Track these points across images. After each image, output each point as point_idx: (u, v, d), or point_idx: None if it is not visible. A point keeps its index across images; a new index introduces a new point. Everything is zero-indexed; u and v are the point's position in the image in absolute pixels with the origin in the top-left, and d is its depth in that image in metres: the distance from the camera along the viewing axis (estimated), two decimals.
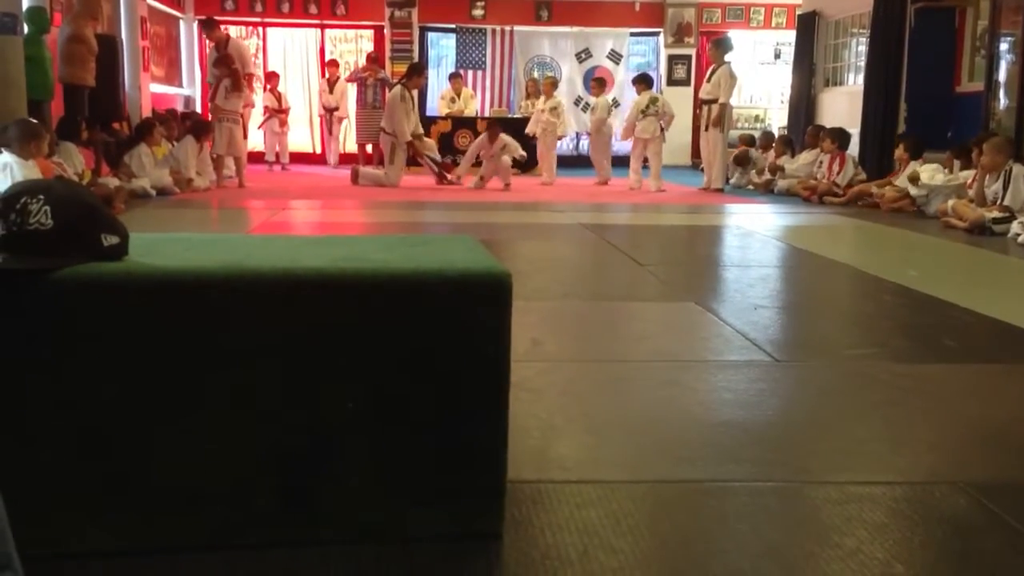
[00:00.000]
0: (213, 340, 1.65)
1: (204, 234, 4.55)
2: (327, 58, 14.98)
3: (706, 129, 10.99)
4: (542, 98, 12.24)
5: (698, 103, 14.61)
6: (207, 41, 11.72)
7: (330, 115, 13.95)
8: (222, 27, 11.66)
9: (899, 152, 9.06)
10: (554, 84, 12.59)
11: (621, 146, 12.89)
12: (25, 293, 1.58)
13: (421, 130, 11.37)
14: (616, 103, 14.85)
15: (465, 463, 1.73)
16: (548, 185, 11.55)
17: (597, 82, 12.56)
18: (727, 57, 10.86)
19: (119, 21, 11.42)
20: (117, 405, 1.63)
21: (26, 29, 7.77)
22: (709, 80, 10.91)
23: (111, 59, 9.56)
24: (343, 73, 14.22)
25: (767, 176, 11.21)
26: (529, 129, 12.06)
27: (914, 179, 8.43)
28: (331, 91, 13.81)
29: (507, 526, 1.79)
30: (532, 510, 1.89)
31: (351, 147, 14.27)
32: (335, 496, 1.71)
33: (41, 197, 1.60)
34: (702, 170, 11.61)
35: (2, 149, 6.27)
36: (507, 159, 11.05)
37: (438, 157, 11.66)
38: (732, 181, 11.55)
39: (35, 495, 1.60)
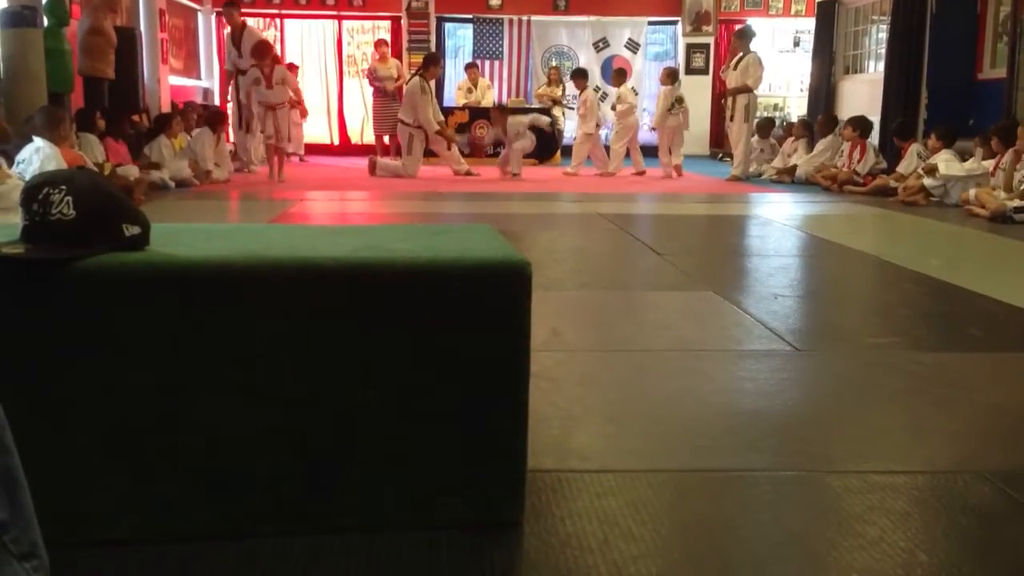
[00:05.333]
0: (234, 329, 1.66)
1: (224, 224, 4.57)
2: (344, 51, 14.97)
3: (731, 119, 10.92)
4: (620, 87, 11.96)
5: (717, 92, 14.61)
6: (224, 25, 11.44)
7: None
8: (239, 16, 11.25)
9: (932, 142, 8.91)
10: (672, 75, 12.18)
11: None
12: (48, 283, 1.59)
13: (442, 118, 11.38)
14: (634, 92, 14.82)
15: (485, 452, 1.73)
16: (643, 174, 11.43)
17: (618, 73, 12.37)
18: (752, 46, 10.79)
19: (138, 13, 11.47)
20: (140, 394, 1.64)
21: (46, 22, 7.82)
22: (734, 69, 10.79)
23: (130, 51, 9.61)
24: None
25: (790, 162, 11.13)
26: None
27: (930, 170, 8.35)
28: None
29: (527, 514, 1.79)
30: (552, 498, 1.89)
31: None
32: (357, 484, 1.71)
33: (63, 188, 1.61)
34: (721, 159, 11.56)
35: (32, 136, 6.37)
36: (520, 145, 11.00)
37: (459, 143, 11.73)
38: (752, 169, 11.45)
39: (61, 484, 1.61)
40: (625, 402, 2.59)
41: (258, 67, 9.97)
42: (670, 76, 11.79)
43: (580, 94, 11.69)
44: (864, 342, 3.36)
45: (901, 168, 9.26)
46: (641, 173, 11.49)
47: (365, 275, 1.68)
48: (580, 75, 12.03)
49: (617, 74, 12.29)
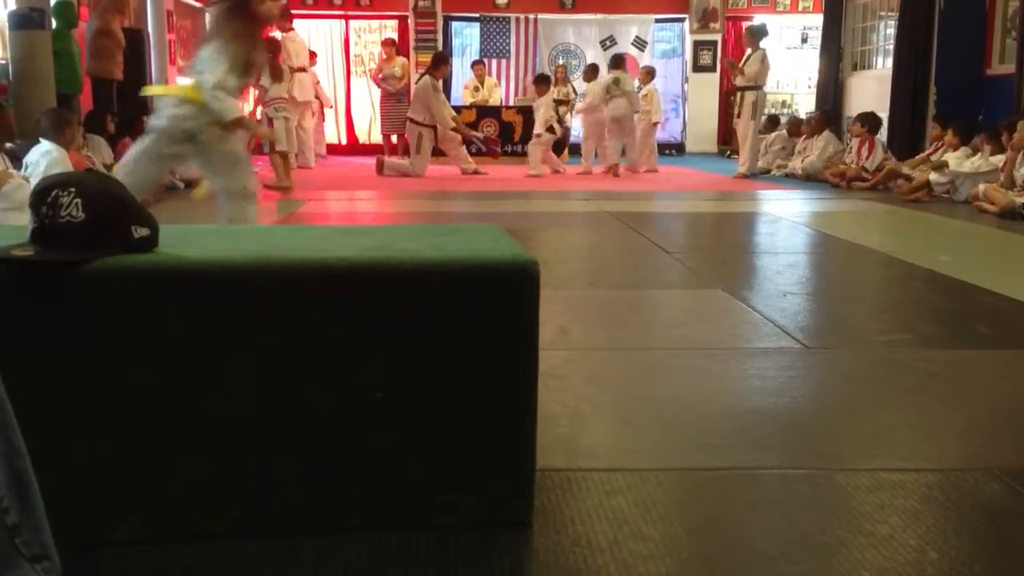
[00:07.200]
0: (243, 330, 1.66)
1: (233, 225, 4.57)
2: (351, 51, 14.95)
3: (738, 116, 10.91)
4: (642, 85, 12.02)
5: (724, 90, 14.58)
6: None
7: None
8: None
9: (948, 137, 8.79)
10: (651, 73, 12.44)
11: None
12: (57, 285, 1.60)
13: (455, 114, 11.37)
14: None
15: (494, 451, 1.73)
16: (654, 172, 11.53)
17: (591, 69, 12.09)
18: (762, 44, 10.78)
19: (146, 15, 11.51)
20: (149, 396, 1.65)
21: (54, 24, 7.85)
22: (742, 66, 10.80)
23: (138, 53, 9.64)
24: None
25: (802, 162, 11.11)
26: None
27: (939, 166, 8.31)
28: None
29: (536, 514, 1.79)
30: (561, 498, 1.89)
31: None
32: (365, 484, 1.71)
33: (72, 190, 1.61)
34: (729, 157, 11.54)
35: (40, 139, 6.38)
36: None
37: (479, 137, 11.69)
38: (761, 163, 11.41)
39: (71, 485, 1.62)
40: (634, 401, 2.59)
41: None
42: (650, 74, 12.19)
43: (539, 98, 11.62)
44: (873, 339, 3.35)
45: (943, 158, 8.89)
46: (610, 169, 11.24)
47: (373, 275, 1.68)
48: (541, 80, 11.88)
49: (588, 71, 11.95)
